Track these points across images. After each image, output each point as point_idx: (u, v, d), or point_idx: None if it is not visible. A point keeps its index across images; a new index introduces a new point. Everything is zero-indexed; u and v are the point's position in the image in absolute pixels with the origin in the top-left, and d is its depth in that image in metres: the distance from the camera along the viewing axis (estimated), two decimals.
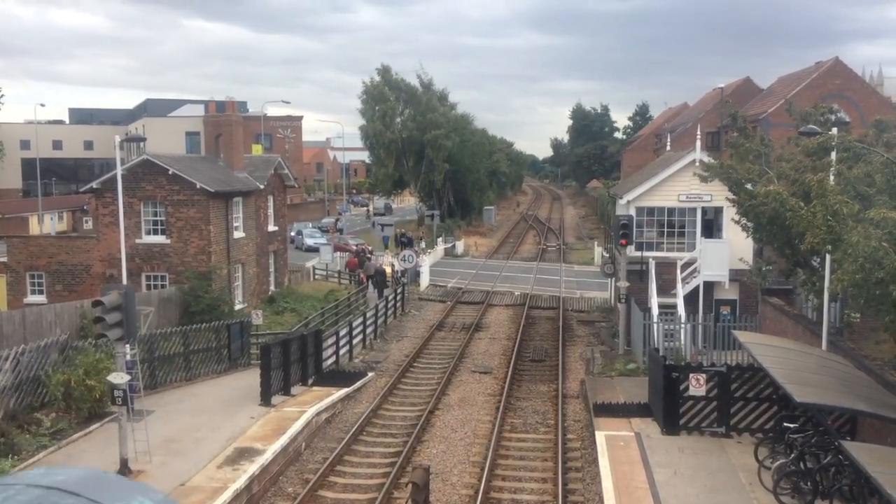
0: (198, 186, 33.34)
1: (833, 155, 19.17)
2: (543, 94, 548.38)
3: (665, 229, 32.43)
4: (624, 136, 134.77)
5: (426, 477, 17.32)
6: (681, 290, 30.05)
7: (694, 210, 32.04)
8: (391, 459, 19.42)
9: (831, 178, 18.77)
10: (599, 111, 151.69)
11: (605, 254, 45.29)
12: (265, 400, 22.38)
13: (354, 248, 57.81)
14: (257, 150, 51.38)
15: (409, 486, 16.77)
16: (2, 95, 76.80)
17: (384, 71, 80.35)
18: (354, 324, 31.91)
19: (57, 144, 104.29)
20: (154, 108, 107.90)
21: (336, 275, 50.03)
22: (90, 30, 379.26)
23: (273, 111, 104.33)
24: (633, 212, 31.86)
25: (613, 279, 35.01)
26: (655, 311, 28.69)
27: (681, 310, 28.98)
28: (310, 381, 25.43)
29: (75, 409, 20.57)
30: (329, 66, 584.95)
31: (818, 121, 22.69)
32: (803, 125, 22.37)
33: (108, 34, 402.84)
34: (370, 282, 45.10)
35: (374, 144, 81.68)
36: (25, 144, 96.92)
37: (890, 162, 17.82)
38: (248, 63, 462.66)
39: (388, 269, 48.22)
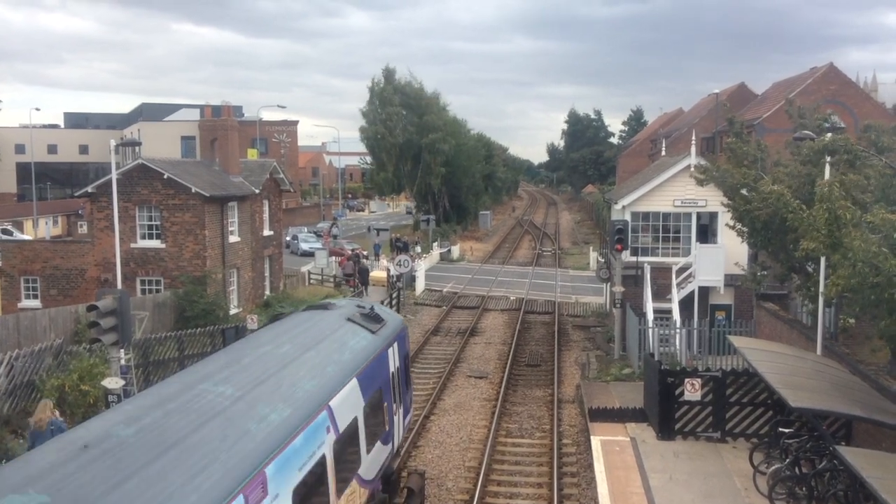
0: (193, 191, 33.31)
1: (828, 158, 19.18)
2: (537, 99, 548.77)
3: (660, 234, 32.45)
4: (619, 142, 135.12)
5: (421, 482, 17.31)
6: (676, 295, 30.08)
7: (689, 215, 32.07)
8: None
9: (826, 175, 18.81)
10: (594, 117, 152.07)
11: (600, 259, 45.30)
12: None
13: (350, 252, 57.87)
14: (253, 154, 51.29)
15: (405, 491, 16.75)
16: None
17: (388, 73, 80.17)
18: None
19: (52, 148, 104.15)
20: (149, 113, 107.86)
21: (332, 279, 50.01)
22: (80, 34, 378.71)
23: (268, 116, 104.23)
24: (628, 217, 31.89)
25: (609, 284, 35.04)
26: (650, 315, 28.70)
27: (676, 315, 29.00)
28: None
29: (69, 415, 20.49)
30: (321, 70, 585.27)
31: (812, 126, 22.74)
32: (800, 128, 22.44)
33: (99, 38, 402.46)
34: (358, 281, 45.99)
35: (374, 147, 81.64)
36: (20, 148, 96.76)
37: (886, 167, 17.88)
38: (239, 67, 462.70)
39: (383, 274, 48.26)
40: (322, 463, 11.04)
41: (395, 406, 15.97)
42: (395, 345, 16.39)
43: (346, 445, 12.47)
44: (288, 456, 9.77)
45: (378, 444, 14.46)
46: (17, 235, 61.47)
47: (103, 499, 7.15)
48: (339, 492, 11.87)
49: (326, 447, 11.28)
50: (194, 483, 7.81)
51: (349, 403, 12.67)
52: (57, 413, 15.20)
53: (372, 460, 13.98)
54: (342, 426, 12.18)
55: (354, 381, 13.07)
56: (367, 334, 15.13)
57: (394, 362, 16.10)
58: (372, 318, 16.04)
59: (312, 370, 12.19)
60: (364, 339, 14.82)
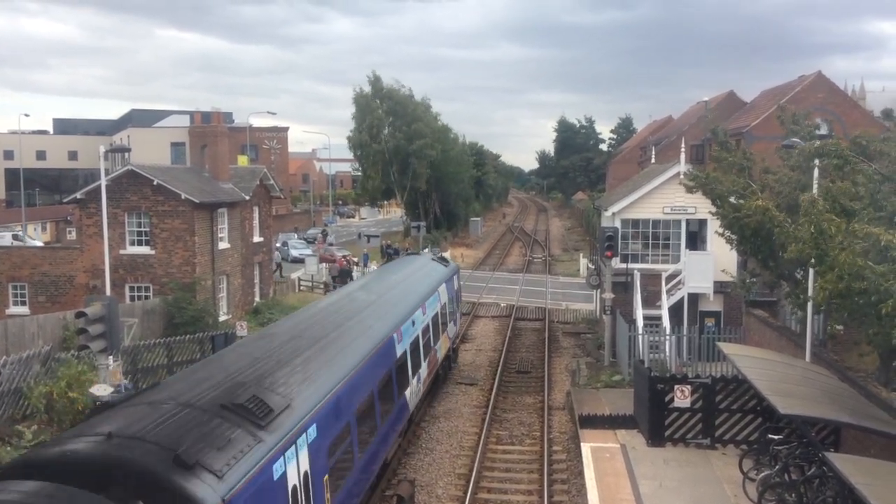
0: (182, 197, 33.21)
1: (817, 162, 19.26)
2: (525, 107, 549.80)
3: (650, 241, 32.54)
4: (609, 149, 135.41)
5: (411, 489, 17.28)
6: (665, 302, 30.15)
7: (678, 222, 32.16)
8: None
9: (815, 189, 18.90)
10: (584, 124, 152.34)
11: (590, 265, 45.36)
12: None
13: (340, 257, 57.89)
14: (243, 161, 51.13)
15: (395, 498, 16.71)
16: None
17: (374, 80, 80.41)
18: None
19: (41, 154, 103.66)
20: (139, 119, 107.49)
21: (322, 286, 49.93)
22: (63, 39, 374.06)
23: (258, 122, 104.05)
24: (618, 224, 31.96)
25: (599, 291, 35.09)
26: (640, 322, 28.75)
27: (666, 321, 29.06)
28: None
29: (57, 422, 20.38)
30: (308, 77, 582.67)
31: (804, 133, 22.85)
32: (791, 135, 22.54)
33: (83, 44, 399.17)
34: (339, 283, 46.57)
35: (361, 154, 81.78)
36: (9, 154, 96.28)
37: (875, 172, 17.95)
38: (225, 73, 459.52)
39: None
40: (437, 314, 24.87)
41: (457, 308, 30.93)
42: (455, 275, 31.53)
43: (435, 326, 24.54)
44: (429, 302, 23.72)
45: (451, 323, 28.32)
46: (30, 242, 60.89)
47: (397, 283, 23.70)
48: (443, 333, 25.98)
49: (438, 307, 25.25)
50: (414, 294, 22.96)
51: (444, 294, 26.85)
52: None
53: (450, 328, 28.11)
54: (442, 302, 26.18)
55: (444, 285, 27.34)
56: (443, 267, 30.16)
57: (455, 284, 30.75)
58: (443, 260, 33.01)
59: (428, 275, 26.99)
60: (442, 268, 29.77)
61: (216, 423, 10.11)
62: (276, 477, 10.27)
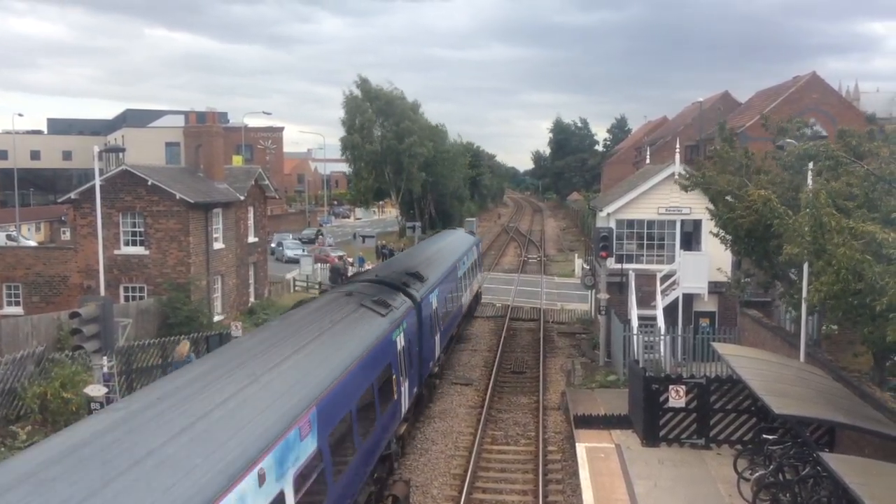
0: (177, 197, 33.16)
1: (811, 165, 19.28)
2: (519, 107, 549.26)
3: (645, 242, 32.56)
4: (604, 149, 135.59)
5: (406, 490, 17.28)
6: (660, 302, 30.16)
7: (673, 223, 32.18)
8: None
9: (809, 183, 18.92)
10: (580, 125, 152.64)
11: (585, 266, 45.39)
12: None
13: (335, 258, 57.90)
14: (238, 161, 51.25)
15: (390, 498, 16.70)
16: None
17: (362, 82, 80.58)
18: None
19: (35, 154, 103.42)
20: (134, 119, 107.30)
21: (317, 286, 49.88)
22: (53, 39, 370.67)
23: (253, 122, 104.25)
24: (613, 224, 31.97)
25: (594, 291, 35.10)
26: (635, 322, 28.76)
27: (660, 322, 29.08)
28: None
29: (51, 423, 20.33)
30: (301, 77, 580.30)
31: (794, 135, 22.87)
32: (779, 139, 22.55)
33: (72, 43, 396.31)
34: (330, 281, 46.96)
35: (354, 156, 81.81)
36: (2, 154, 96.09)
37: (869, 174, 17.97)
38: (216, 73, 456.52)
39: None
40: (472, 265, 37.86)
41: (480, 269, 43.52)
42: (480, 243, 47.12)
43: (472, 269, 37.57)
44: (464, 259, 35.25)
45: (479, 275, 41.61)
46: (24, 242, 60.66)
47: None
48: (474, 278, 38.82)
49: (472, 260, 38.45)
50: (459, 249, 36.07)
51: (474, 254, 40.17)
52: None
53: (476, 281, 40.27)
54: (473, 258, 39.07)
55: (474, 248, 41.11)
56: (472, 237, 45.21)
57: (480, 249, 46.80)
58: (472, 233, 51.51)
59: (465, 241, 40.17)
60: (472, 238, 44.22)
61: (406, 277, 23.38)
62: (430, 301, 23.73)
